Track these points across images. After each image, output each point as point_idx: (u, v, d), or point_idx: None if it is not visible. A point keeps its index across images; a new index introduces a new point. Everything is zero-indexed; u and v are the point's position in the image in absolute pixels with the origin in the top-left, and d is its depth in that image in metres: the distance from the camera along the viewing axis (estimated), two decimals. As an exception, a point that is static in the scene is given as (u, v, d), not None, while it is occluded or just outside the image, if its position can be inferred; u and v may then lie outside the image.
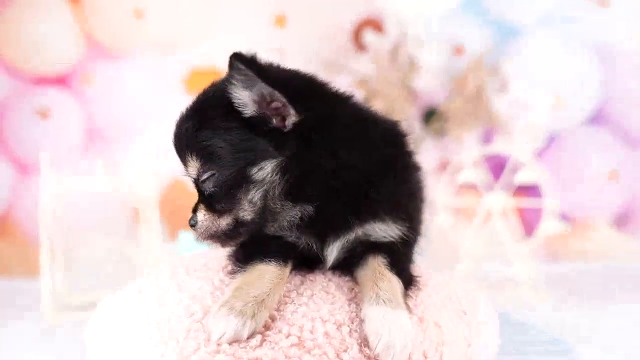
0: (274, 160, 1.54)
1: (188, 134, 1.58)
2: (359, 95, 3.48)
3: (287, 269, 1.51)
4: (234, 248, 1.62)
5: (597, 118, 3.84)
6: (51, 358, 2.43)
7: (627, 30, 3.86)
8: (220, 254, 1.66)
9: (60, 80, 3.80)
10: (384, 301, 1.42)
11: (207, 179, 1.57)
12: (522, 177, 3.07)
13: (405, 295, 1.51)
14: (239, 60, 1.48)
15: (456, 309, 1.60)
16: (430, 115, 3.55)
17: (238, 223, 1.57)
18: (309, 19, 3.84)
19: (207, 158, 1.56)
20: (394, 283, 1.48)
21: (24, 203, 3.67)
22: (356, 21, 3.87)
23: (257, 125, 1.54)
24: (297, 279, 1.54)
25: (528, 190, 3.24)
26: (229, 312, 1.36)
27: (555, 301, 3.02)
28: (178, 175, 3.51)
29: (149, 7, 3.72)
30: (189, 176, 1.61)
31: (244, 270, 1.49)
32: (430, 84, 3.44)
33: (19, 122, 3.68)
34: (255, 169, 1.54)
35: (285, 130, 1.53)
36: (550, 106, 3.35)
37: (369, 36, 3.57)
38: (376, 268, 1.53)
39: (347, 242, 1.56)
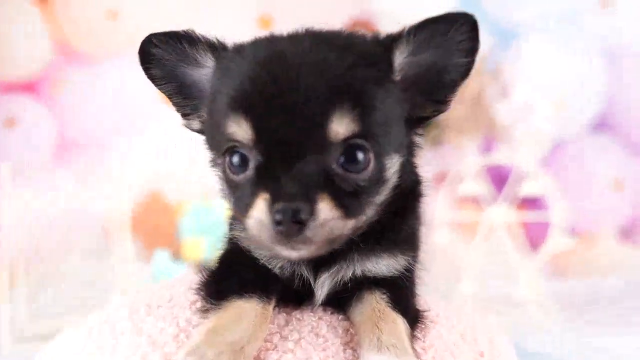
0: (400, 160, 1.25)
1: (341, 69, 1.16)
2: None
3: (271, 306, 1.24)
4: (203, 279, 1.35)
5: (602, 125, 3.73)
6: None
7: (632, 33, 3.73)
8: (189, 285, 1.38)
9: (28, 87, 3.62)
10: (387, 347, 1.17)
11: (365, 164, 1.17)
12: (527, 189, 2.95)
13: (412, 338, 1.26)
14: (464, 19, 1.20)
15: (472, 350, 1.35)
16: (427, 123, 3.35)
17: (343, 236, 1.19)
18: (296, 20, 3.62)
19: (369, 122, 1.16)
20: (398, 324, 1.22)
21: None
22: (347, 23, 3.68)
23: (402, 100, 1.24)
24: (281, 317, 1.27)
25: (532, 202, 3.11)
26: (196, 362, 1.10)
27: (565, 321, 2.89)
28: (154, 190, 3.39)
29: (124, 8, 3.56)
30: (313, 136, 1.13)
31: (219, 308, 1.20)
32: (426, 89, 3.25)
33: None
34: (390, 163, 1.23)
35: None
36: (554, 112, 3.19)
37: None
38: (375, 306, 1.26)
39: (342, 278, 1.31)
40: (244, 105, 1.14)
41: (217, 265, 1.36)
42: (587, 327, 2.88)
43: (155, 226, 3.19)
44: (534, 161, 3.02)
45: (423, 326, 1.32)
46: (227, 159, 1.18)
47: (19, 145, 3.48)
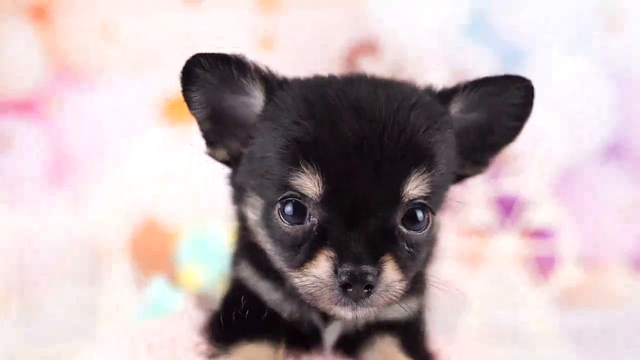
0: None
1: (428, 137, 1.16)
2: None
3: (281, 351, 1.18)
4: (208, 321, 1.28)
5: (612, 151, 3.69)
6: None
7: None
8: (191, 325, 1.31)
9: (22, 106, 3.59)
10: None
11: (425, 224, 1.17)
12: (535, 218, 2.94)
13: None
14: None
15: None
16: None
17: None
18: (298, 41, 3.62)
19: (434, 184, 1.17)
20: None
21: None
22: (350, 43, 3.67)
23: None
24: (289, 363, 1.21)
25: (541, 231, 3.07)
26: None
27: (575, 354, 2.89)
28: (151, 214, 3.33)
29: (121, 25, 3.53)
30: (388, 196, 1.10)
31: (228, 353, 1.14)
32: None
33: None
34: (437, 220, 1.27)
35: None
36: (563, 138, 3.20)
37: (364, 62, 3.45)
38: (387, 351, 1.23)
39: (355, 325, 1.25)
40: (318, 157, 1.10)
41: (222, 306, 1.32)
42: (598, 355, 2.89)
43: (151, 252, 3.14)
44: (542, 189, 3.00)
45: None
46: (280, 207, 1.15)
47: (11, 166, 3.44)
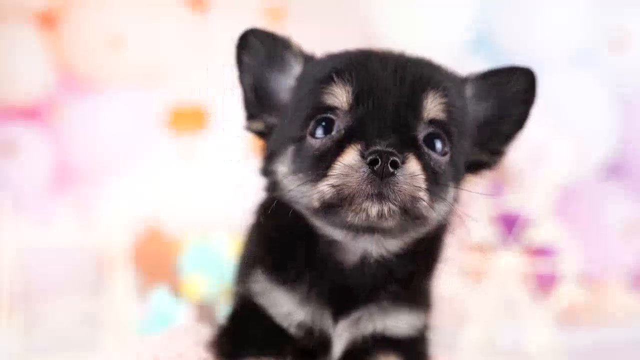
0: (453, 190, 1.36)
1: (446, 80, 1.30)
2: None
3: None
4: (215, 338, 1.31)
5: (614, 170, 3.74)
6: None
7: None
8: (198, 339, 1.33)
9: (29, 114, 3.58)
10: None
11: (442, 152, 1.27)
12: (537, 236, 2.95)
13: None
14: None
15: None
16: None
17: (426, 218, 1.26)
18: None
19: (453, 117, 1.28)
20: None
21: None
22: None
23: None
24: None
25: (543, 250, 3.08)
26: None
27: None
28: (154, 224, 3.37)
29: (129, 35, 3.52)
30: (409, 110, 1.23)
31: None
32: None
33: None
34: (454, 179, 1.34)
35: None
36: (565, 156, 3.19)
37: None
38: None
39: (361, 333, 1.28)
40: (349, 72, 1.24)
41: (229, 322, 1.34)
42: None
43: (154, 262, 3.16)
44: (544, 207, 3.00)
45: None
46: (311, 130, 1.25)
47: (16, 174, 3.44)
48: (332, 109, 1.23)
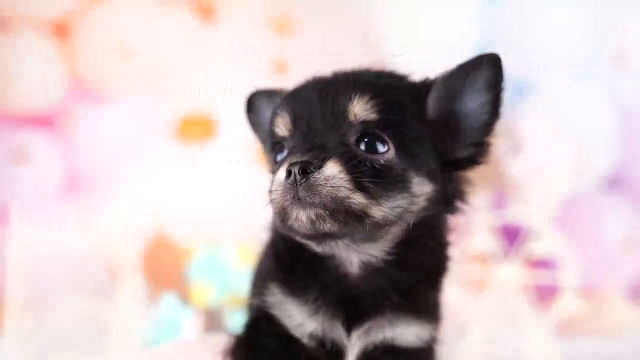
0: (432, 186, 1.39)
1: (379, 82, 1.38)
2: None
3: None
4: (231, 348, 1.37)
5: (614, 183, 3.75)
6: None
7: None
8: (214, 350, 1.39)
9: (40, 121, 3.61)
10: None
11: (382, 151, 1.32)
12: (537, 248, 2.97)
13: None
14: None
15: None
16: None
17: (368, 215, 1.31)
18: (310, 65, 3.65)
19: (389, 114, 1.32)
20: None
21: None
22: (360, 65, 3.73)
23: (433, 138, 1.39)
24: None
25: (543, 262, 3.11)
26: None
27: None
28: (163, 231, 3.40)
29: (139, 46, 3.58)
30: (335, 114, 1.32)
31: None
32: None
33: None
34: (417, 179, 1.36)
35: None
36: (567, 169, 3.20)
37: None
38: None
39: (372, 342, 1.34)
40: (286, 106, 1.38)
41: (244, 332, 1.40)
42: None
43: (162, 269, 3.21)
44: (545, 219, 3.02)
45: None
46: (274, 155, 1.41)
47: (28, 180, 3.48)
48: (282, 138, 1.38)
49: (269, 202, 1.38)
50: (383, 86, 1.37)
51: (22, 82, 3.51)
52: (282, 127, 1.38)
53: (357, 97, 1.31)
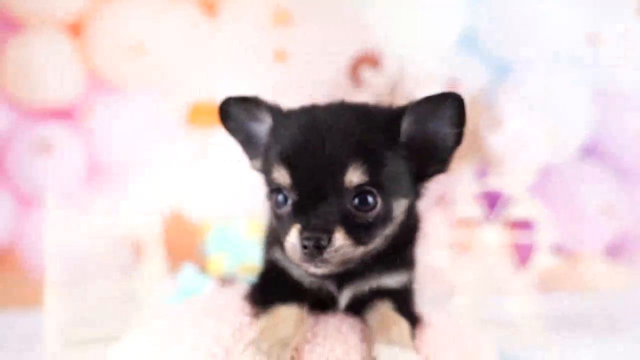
0: (407, 202, 1.59)
1: (356, 134, 1.49)
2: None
3: (305, 311, 1.60)
4: (250, 291, 1.70)
5: (590, 152, 3.95)
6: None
7: (618, 68, 3.98)
8: (233, 296, 1.72)
9: (62, 114, 3.79)
10: (393, 342, 1.51)
11: (373, 206, 1.50)
12: (516, 212, 3.16)
13: (413, 336, 1.60)
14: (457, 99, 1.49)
15: (460, 350, 1.68)
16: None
17: (363, 256, 1.54)
18: (308, 54, 3.87)
19: (377, 175, 1.49)
20: (403, 325, 1.58)
21: (25, 235, 3.69)
22: (354, 55, 3.92)
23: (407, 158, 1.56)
24: (312, 319, 1.63)
25: (522, 224, 3.30)
26: (255, 353, 1.44)
27: (551, 334, 3.10)
28: (180, 211, 3.67)
29: (150, 42, 3.74)
30: (333, 183, 1.47)
31: (267, 313, 1.57)
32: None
33: (21, 155, 3.67)
34: (397, 204, 1.56)
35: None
36: (544, 142, 3.42)
37: (366, 73, 3.65)
38: (385, 312, 1.63)
39: (361, 291, 1.66)
40: (285, 159, 1.51)
41: (260, 279, 1.72)
42: (574, 336, 3.12)
43: (181, 244, 3.42)
44: (523, 186, 3.22)
45: (421, 328, 1.68)
46: (274, 196, 1.55)
47: (54, 169, 3.66)
48: (283, 187, 1.52)
49: (269, 208, 1.60)
50: (368, 142, 1.49)
51: (43, 78, 3.65)
52: (283, 179, 1.51)
53: (351, 167, 1.45)
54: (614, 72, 4.00)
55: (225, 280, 2.86)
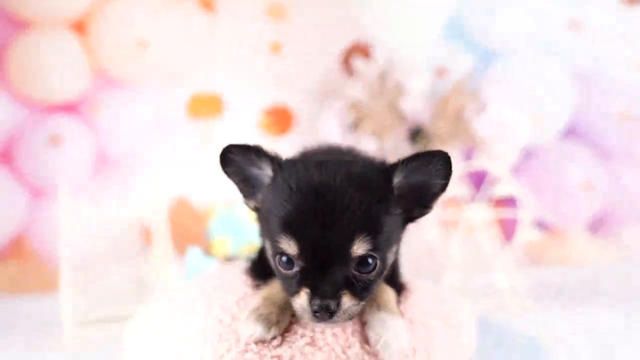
0: (397, 246, 1.75)
1: (361, 207, 1.59)
2: (349, 118, 3.77)
3: None
4: (250, 266, 1.90)
5: (572, 133, 4.11)
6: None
7: (598, 51, 4.15)
8: (236, 271, 1.93)
9: (70, 108, 3.92)
10: (381, 308, 1.72)
11: (373, 267, 1.62)
12: (500, 191, 3.31)
13: (398, 302, 1.81)
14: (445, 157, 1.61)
15: (441, 313, 1.89)
16: (416, 134, 3.79)
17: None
18: (302, 45, 4.06)
19: (377, 242, 1.60)
20: (389, 293, 1.79)
21: (38, 225, 3.85)
22: (346, 46, 4.10)
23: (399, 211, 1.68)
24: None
25: (506, 202, 3.44)
26: (257, 319, 1.65)
27: (534, 304, 3.25)
28: (185, 197, 3.84)
29: (152, 38, 3.87)
30: (340, 254, 1.57)
31: (266, 284, 1.77)
32: (416, 106, 3.69)
33: (32, 150, 3.81)
34: (390, 255, 1.70)
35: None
36: (527, 125, 3.58)
37: (357, 63, 3.82)
38: None
39: None
40: (294, 233, 1.60)
41: (258, 255, 1.92)
42: (556, 305, 3.26)
43: (187, 229, 3.57)
44: (507, 167, 3.41)
45: (406, 295, 1.88)
46: (278, 257, 1.66)
47: (64, 160, 3.81)
48: (291, 255, 1.60)
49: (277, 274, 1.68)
50: (371, 214, 1.59)
51: (51, 75, 3.79)
52: (291, 249, 1.58)
53: (357, 240, 1.56)
54: (594, 56, 4.17)
55: (229, 261, 2.99)
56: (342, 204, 1.57)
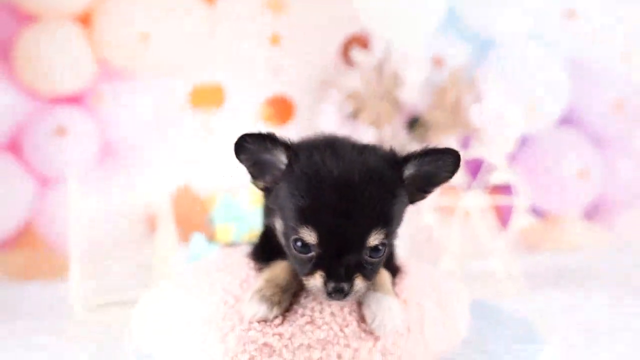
0: (399, 227, 1.84)
1: (377, 201, 1.68)
2: (348, 108, 3.85)
3: None
4: (252, 250, 1.99)
5: (567, 121, 4.18)
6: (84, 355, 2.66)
7: (593, 40, 4.21)
8: (239, 255, 2.01)
9: (75, 100, 3.96)
10: (377, 289, 1.82)
11: (383, 252, 1.73)
12: (496, 178, 3.39)
13: (394, 284, 1.90)
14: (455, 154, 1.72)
15: (435, 295, 1.99)
16: (413, 124, 3.87)
17: None
18: (300, 36, 4.13)
19: (389, 231, 1.72)
20: (385, 275, 1.89)
21: (47, 213, 3.91)
22: (345, 38, 4.18)
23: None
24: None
25: (502, 189, 3.52)
26: (260, 299, 1.74)
27: (529, 289, 3.32)
28: (188, 185, 3.93)
29: (154, 31, 3.91)
30: (357, 244, 1.66)
31: (268, 266, 1.86)
32: (413, 96, 3.76)
33: (39, 140, 3.86)
34: (395, 236, 1.85)
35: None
36: (523, 114, 3.61)
37: (356, 54, 3.88)
38: None
39: None
40: (313, 223, 1.69)
41: (260, 240, 2.02)
42: (551, 290, 3.33)
43: (191, 216, 3.66)
44: (502, 155, 3.45)
45: (401, 276, 1.98)
46: (293, 242, 1.74)
47: (70, 151, 3.85)
48: (308, 243, 1.69)
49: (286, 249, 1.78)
50: (387, 208, 1.69)
51: (56, 67, 3.82)
52: (309, 237, 1.67)
53: (374, 232, 1.67)
54: (589, 46, 4.23)
55: (231, 247, 3.09)
56: (361, 199, 1.65)
